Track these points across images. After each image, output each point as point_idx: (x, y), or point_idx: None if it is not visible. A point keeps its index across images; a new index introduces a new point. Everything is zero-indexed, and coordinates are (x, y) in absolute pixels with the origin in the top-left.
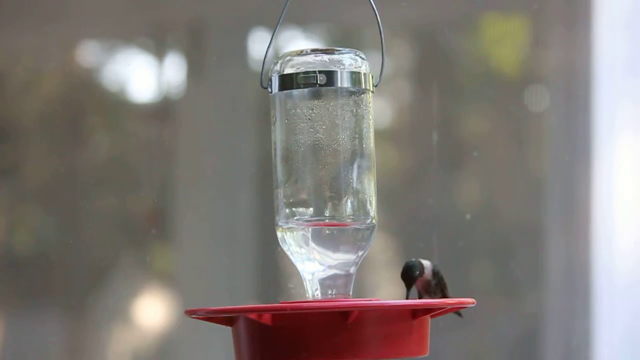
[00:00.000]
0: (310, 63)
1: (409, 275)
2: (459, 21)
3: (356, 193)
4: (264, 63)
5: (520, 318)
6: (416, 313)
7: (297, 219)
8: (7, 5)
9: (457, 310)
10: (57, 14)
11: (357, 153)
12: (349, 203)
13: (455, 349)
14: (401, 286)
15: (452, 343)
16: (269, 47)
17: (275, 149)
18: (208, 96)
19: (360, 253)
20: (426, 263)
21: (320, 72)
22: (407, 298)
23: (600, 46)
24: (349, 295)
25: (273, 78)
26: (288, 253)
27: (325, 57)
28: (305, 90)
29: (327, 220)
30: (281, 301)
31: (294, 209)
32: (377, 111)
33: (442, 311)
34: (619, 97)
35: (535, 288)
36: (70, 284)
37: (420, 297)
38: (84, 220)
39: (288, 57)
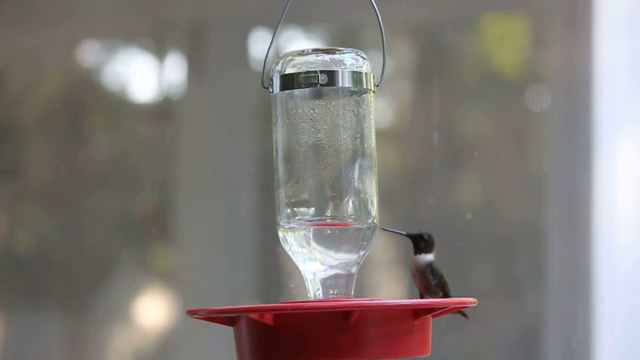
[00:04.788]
0: (311, 63)
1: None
2: (459, 21)
3: (357, 193)
4: (265, 63)
5: (521, 317)
6: (418, 313)
7: (298, 219)
8: (9, 5)
9: (459, 310)
10: (58, 14)
11: (358, 153)
12: (350, 203)
13: (456, 349)
14: (402, 285)
15: (453, 343)
16: (270, 47)
17: (276, 149)
18: (209, 96)
19: (361, 253)
20: (426, 257)
21: (321, 72)
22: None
23: (601, 46)
24: (351, 295)
25: (274, 78)
26: (289, 253)
27: (327, 57)
28: (307, 90)
29: (328, 220)
30: (283, 301)
31: (295, 208)
32: (378, 111)
33: (443, 311)
34: (619, 96)
35: (536, 288)
36: (71, 284)
37: (421, 297)
38: (84, 220)
39: (289, 57)
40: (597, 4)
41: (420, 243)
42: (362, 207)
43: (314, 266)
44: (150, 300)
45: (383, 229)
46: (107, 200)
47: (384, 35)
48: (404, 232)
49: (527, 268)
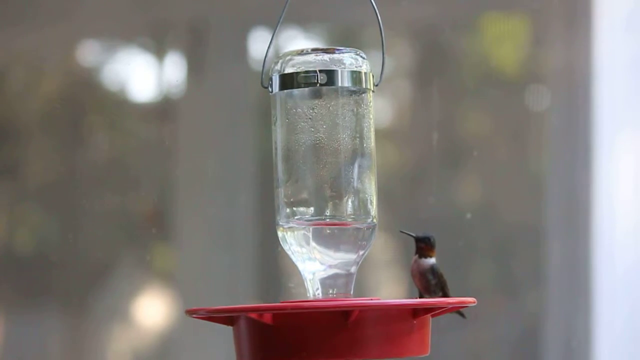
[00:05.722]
0: (310, 62)
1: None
2: (459, 21)
3: (357, 192)
4: (264, 62)
5: (521, 317)
6: (417, 312)
7: (297, 219)
8: (9, 5)
9: (458, 310)
10: (57, 13)
11: (357, 152)
12: (349, 202)
13: (456, 349)
14: (401, 285)
15: (453, 342)
16: (269, 46)
17: (275, 149)
18: (208, 96)
19: (361, 252)
20: (429, 260)
21: (320, 71)
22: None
23: (601, 45)
24: (350, 294)
25: (273, 77)
26: (289, 252)
27: (326, 56)
28: (306, 89)
29: (327, 220)
30: (282, 301)
31: (294, 208)
32: (377, 110)
33: (442, 310)
34: (619, 96)
35: (536, 287)
36: (71, 284)
37: (420, 297)
38: (84, 220)
39: (288, 57)
40: (596, 4)
41: (426, 246)
42: (361, 206)
43: (313, 266)
44: (150, 300)
45: (401, 231)
46: (106, 200)
47: (383, 35)
48: (413, 234)
49: (527, 268)
